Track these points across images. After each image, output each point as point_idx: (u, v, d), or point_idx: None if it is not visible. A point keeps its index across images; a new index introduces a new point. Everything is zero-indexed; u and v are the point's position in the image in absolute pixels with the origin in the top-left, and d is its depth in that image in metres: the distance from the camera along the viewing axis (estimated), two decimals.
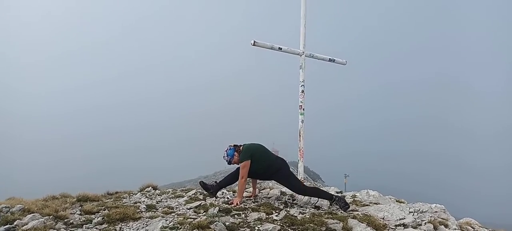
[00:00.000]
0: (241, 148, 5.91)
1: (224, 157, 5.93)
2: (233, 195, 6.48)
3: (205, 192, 6.41)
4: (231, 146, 5.94)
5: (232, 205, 5.52)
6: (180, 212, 5.28)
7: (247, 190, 6.84)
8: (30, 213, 4.79)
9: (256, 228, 4.60)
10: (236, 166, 6.07)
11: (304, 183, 6.34)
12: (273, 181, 6.50)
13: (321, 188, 6.76)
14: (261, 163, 5.78)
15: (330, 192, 6.22)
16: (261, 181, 7.03)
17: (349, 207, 5.78)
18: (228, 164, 5.97)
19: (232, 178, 6.13)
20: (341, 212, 5.60)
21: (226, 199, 6.06)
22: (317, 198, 6.07)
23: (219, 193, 6.40)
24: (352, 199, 6.66)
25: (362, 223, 5.03)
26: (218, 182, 6.25)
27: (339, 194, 6.98)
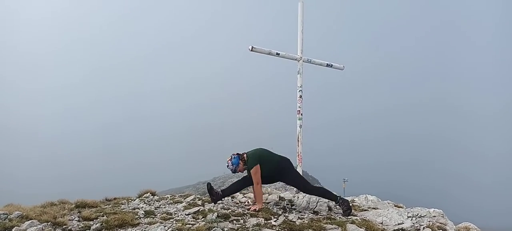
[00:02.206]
0: (244, 155, 5.91)
1: (228, 166, 5.86)
2: (232, 200, 6.50)
3: (205, 196, 6.44)
4: (234, 154, 5.92)
5: (251, 210, 5.60)
6: (178, 218, 5.27)
7: (245, 194, 6.85)
8: (29, 220, 4.78)
9: None
10: (241, 174, 6.10)
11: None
12: (273, 183, 6.54)
13: (326, 189, 6.78)
14: (269, 165, 5.85)
15: (334, 193, 6.25)
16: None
17: (350, 213, 5.83)
18: (232, 172, 5.96)
19: (236, 188, 6.17)
20: (339, 217, 5.61)
21: (237, 203, 6.03)
22: (316, 203, 6.12)
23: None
24: (350, 204, 6.66)
25: (360, 228, 5.04)
26: (222, 190, 6.25)
27: None
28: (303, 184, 5.98)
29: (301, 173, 7.24)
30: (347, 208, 5.82)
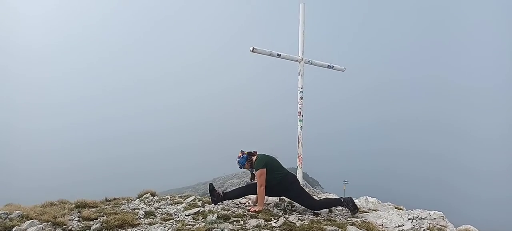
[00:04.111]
0: (253, 158, 6.01)
1: (237, 161, 6.07)
2: (232, 201, 6.50)
3: (205, 197, 6.44)
4: (244, 153, 6.04)
5: (251, 211, 5.62)
6: (178, 219, 5.27)
7: (250, 198, 6.84)
8: (29, 220, 4.78)
9: None
10: (244, 170, 6.20)
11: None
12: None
13: (329, 198, 6.84)
14: (275, 175, 5.87)
15: (337, 198, 6.36)
16: None
17: (357, 210, 5.93)
18: (239, 167, 6.10)
19: (238, 194, 6.24)
20: (340, 219, 5.61)
21: (236, 204, 6.06)
22: None
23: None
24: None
25: (361, 229, 5.03)
26: (224, 192, 6.25)
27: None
28: (307, 200, 5.95)
29: (302, 175, 7.25)
30: (354, 207, 5.90)
